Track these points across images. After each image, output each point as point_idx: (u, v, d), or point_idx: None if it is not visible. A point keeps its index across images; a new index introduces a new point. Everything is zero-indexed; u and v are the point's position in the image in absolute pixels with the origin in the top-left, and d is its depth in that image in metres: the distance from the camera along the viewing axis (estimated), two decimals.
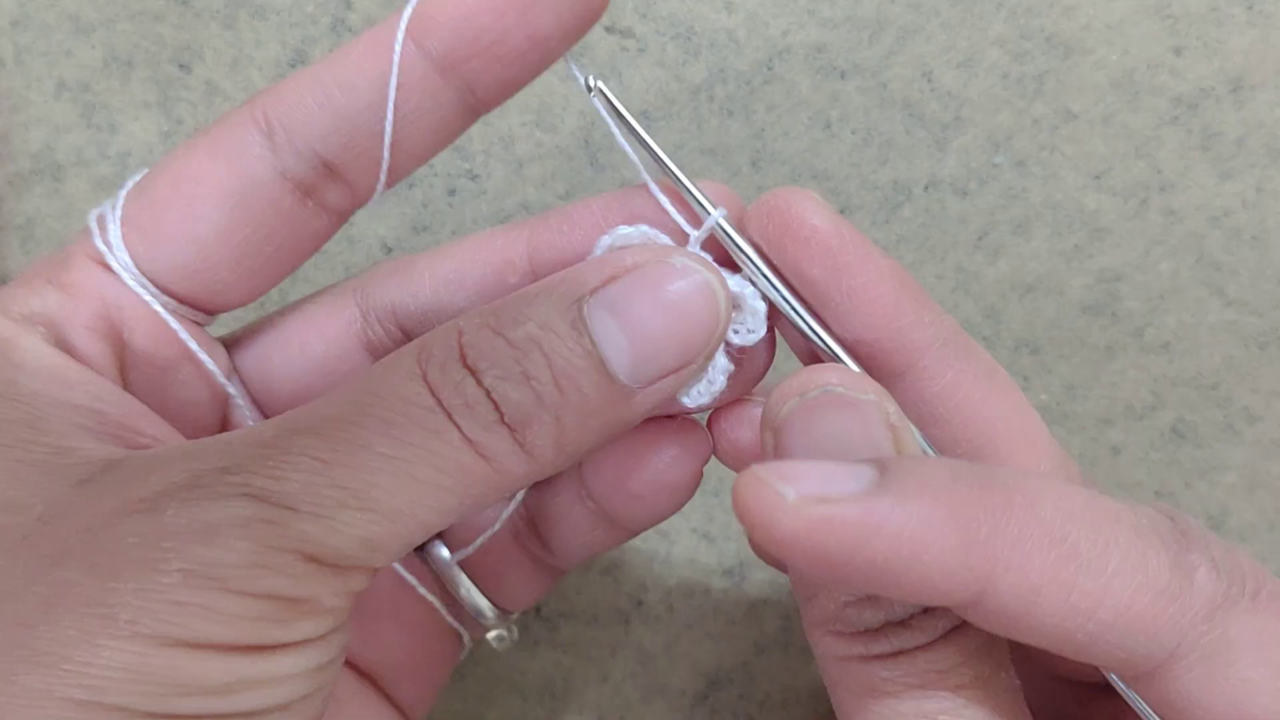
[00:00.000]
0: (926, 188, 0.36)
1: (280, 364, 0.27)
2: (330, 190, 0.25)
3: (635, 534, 0.28)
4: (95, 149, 0.37)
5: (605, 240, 0.24)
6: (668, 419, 0.26)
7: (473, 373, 0.21)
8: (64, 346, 0.24)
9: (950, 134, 0.35)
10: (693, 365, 0.22)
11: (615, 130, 0.24)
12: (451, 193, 0.37)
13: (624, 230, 0.24)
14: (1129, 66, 0.35)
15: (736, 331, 0.24)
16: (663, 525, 0.38)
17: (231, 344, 0.27)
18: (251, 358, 0.27)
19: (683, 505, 0.27)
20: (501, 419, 0.21)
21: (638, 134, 0.24)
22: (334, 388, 0.21)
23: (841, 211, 0.36)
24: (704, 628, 0.38)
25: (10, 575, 0.19)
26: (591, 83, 0.24)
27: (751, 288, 0.24)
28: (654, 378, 0.22)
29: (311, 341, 0.27)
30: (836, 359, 0.23)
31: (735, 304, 0.24)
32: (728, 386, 0.24)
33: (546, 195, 0.37)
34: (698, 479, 0.26)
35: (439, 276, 0.26)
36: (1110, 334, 0.36)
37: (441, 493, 0.20)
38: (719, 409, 0.26)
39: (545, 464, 0.21)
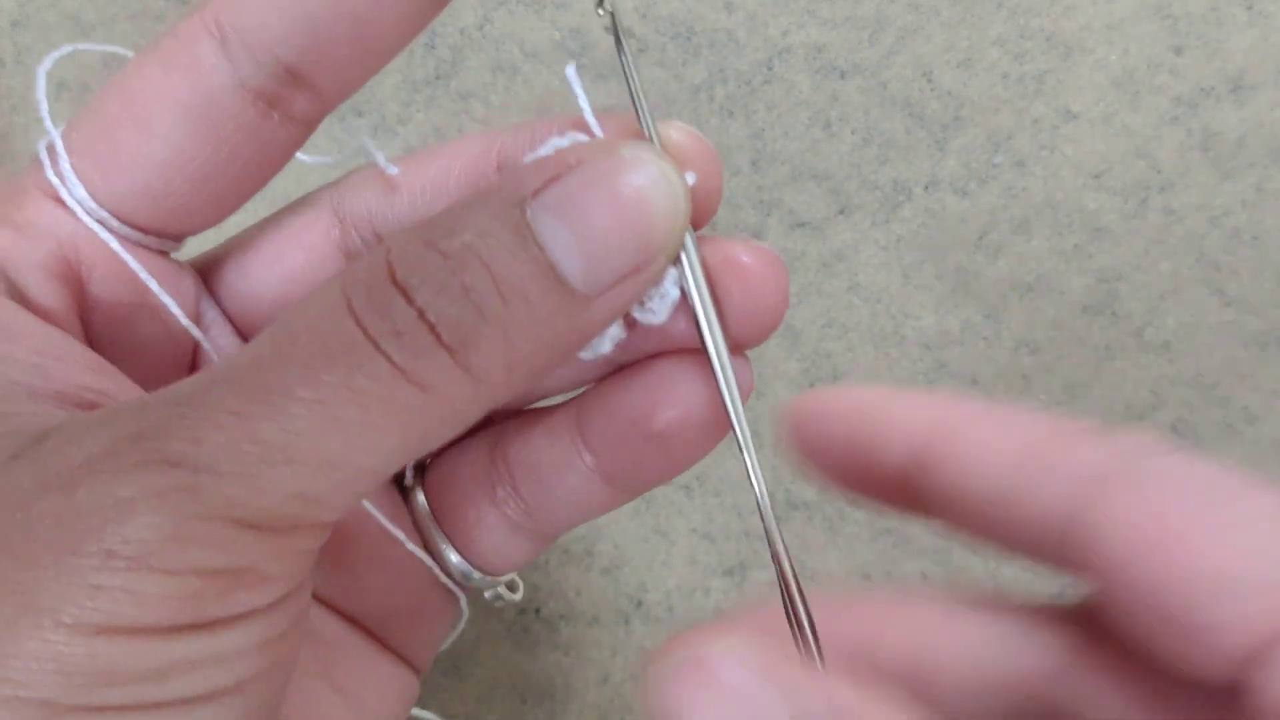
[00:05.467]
0: (926, 187, 0.36)
1: (259, 278, 0.26)
2: (297, 99, 0.23)
3: (634, 496, 0.26)
4: None
5: (538, 151, 0.22)
6: (692, 351, 0.23)
7: (402, 291, 0.18)
8: (15, 293, 0.22)
9: (950, 134, 0.35)
10: (654, 266, 0.20)
11: (623, 59, 0.23)
12: None
13: (557, 141, 0.22)
14: (1129, 66, 0.35)
15: (642, 304, 0.22)
16: (663, 525, 0.38)
17: (209, 263, 0.26)
18: (231, 275, 0.26)
19: (708, 452, 0.24)
20: (439, 340, 0.19)
21: (627, 72, 0.23)
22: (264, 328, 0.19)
23: (841, 212, 0.36)
24: None
25: None
26: (607, 4, 0.23)
27: (674, 274, 0.22)
28: (611, 281, 0.20)
29: (289, 252, 0.25)
30: (722, 367, 0.22)
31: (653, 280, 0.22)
32: (613, 352, 0.23)
33: None
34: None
35: (416, 185, 0.24)
36: (1110, 334, 0.36)
37: (376, 433, 0.18)
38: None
39: (495, 386, 0.19)
